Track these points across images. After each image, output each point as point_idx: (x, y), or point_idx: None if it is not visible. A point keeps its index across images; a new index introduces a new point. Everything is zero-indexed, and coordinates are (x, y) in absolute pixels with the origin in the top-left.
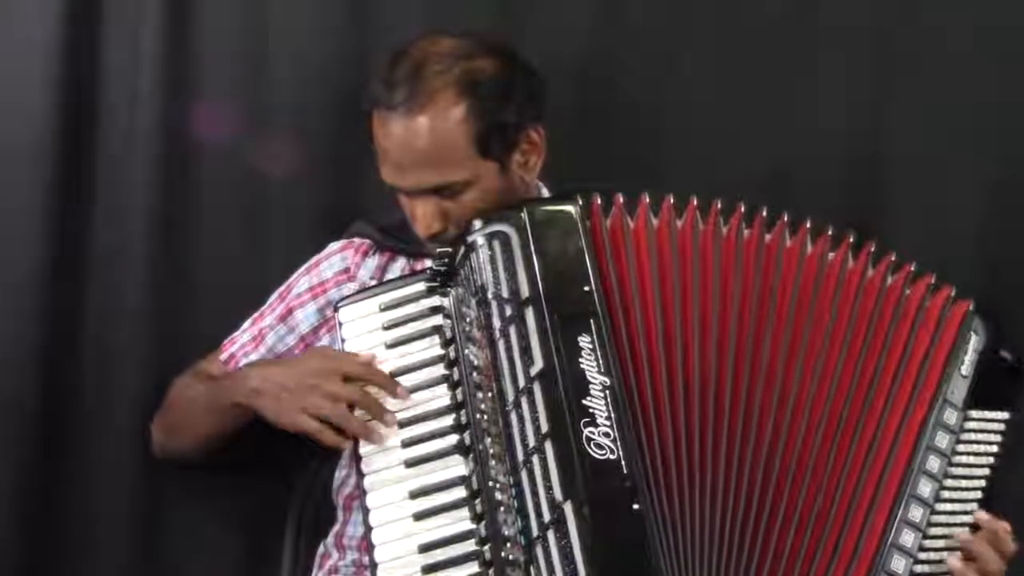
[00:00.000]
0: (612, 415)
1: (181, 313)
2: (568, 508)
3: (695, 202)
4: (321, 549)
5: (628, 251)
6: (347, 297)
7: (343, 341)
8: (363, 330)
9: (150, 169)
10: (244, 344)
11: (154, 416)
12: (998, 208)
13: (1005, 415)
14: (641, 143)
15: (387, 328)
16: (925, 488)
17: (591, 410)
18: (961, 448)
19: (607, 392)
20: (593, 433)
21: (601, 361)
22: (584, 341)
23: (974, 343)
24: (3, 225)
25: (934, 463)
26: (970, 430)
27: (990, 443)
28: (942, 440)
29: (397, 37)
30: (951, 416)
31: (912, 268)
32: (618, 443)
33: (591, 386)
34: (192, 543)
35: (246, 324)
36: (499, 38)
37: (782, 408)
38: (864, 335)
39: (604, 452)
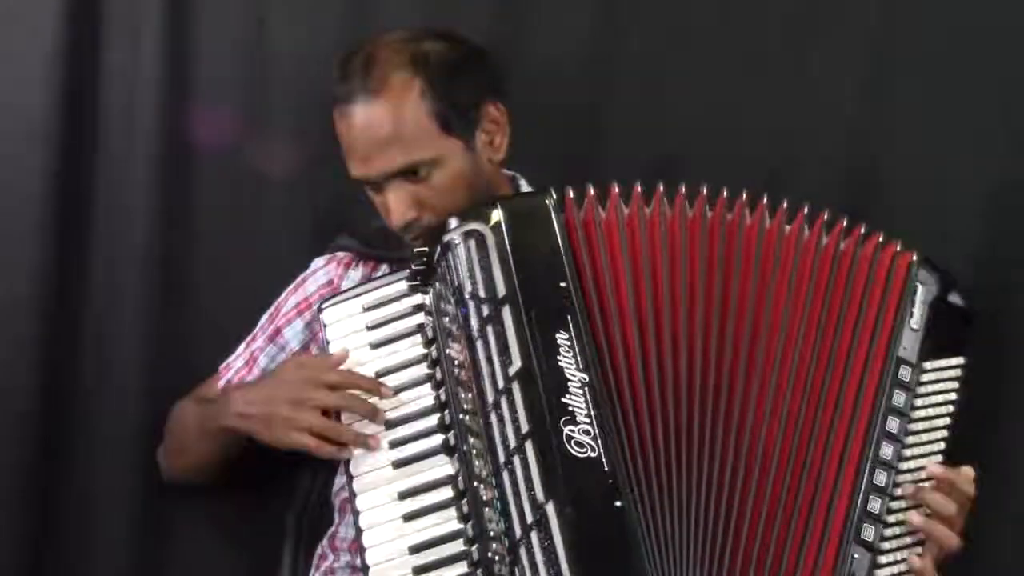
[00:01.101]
0: (592, 412)
1: (181, 313)
2: (550, 508)
3: (661, 188)
4: (318, 551)
5: (601, 243)
6: (330, 298)
7: (327, 343)
8: (347, 331)
9: (150, 169)
10: (239, 369)
11: (154, 416)
12: (998, 208)
13: (960, 360)
14: (641, 143)
15: (371, 328)
16: (887, 450)
17: (571, 408)
18: (919, 402)
19: (586, 389)
20: (573, 431)
21: (579, 357)
22: (562, 338)
23: (922, 294)
24: (3, 225)
25: (893, 423)
26: (926, 382)
27: (948, 391)
28: (899, 399)
29: None
30: (905, 373)
31: (862, 230)
32: (598, 440)
33: (570, 383)
34: (192, 543)
35: (240, 348)
36: (498, 36)
37: (749, 386)
38: (822, 301)
39: (585, 450)
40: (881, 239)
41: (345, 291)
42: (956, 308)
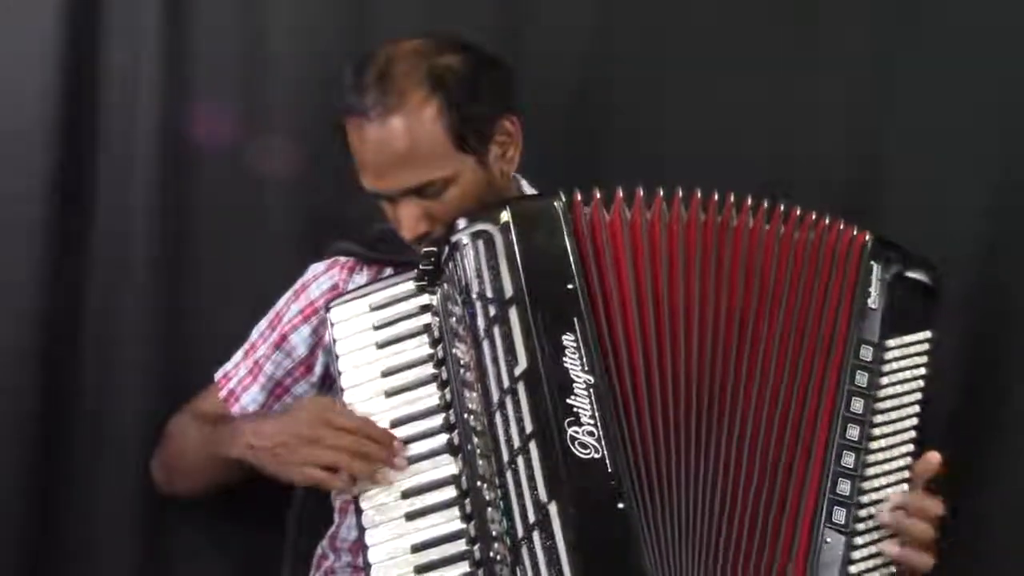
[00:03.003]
0: (596, 414)
1: (181, 313)
2: (553, 508)
3: (661, 193)
4: (319, 551)
5: (607, 246)
6: (337, 297)
7: (334, 341)
8: (354, 330)
9: (150, 169)
10: (242, 378)
11: (154, 417)
12: (998, 208)
13: (926, 335)
14: (641, 143)
15: (377, 328)
16: (853, 432)
17: (575, 409)
18: (884, 380)
19: (591, 391)
20: (577, 432)
21: (585, 360)
22: (568, 340)
23: (878, 273)
24: (3, 225)
25: (858, 404)
26: (891, 360)
27: (916, 367)
28: (862, 379)
29: (397, 37)
30: (867, 352)
31: (826, 220)
32: (602, 442)
33: (575, 385)
34: (192, 543)
35: (238, 357)
36: (498, 36)
37: (737, 385)
38: (795, 293)
39: (588, 451)
40: (842, 226)
41: (352, 291)
42: (917, 283)
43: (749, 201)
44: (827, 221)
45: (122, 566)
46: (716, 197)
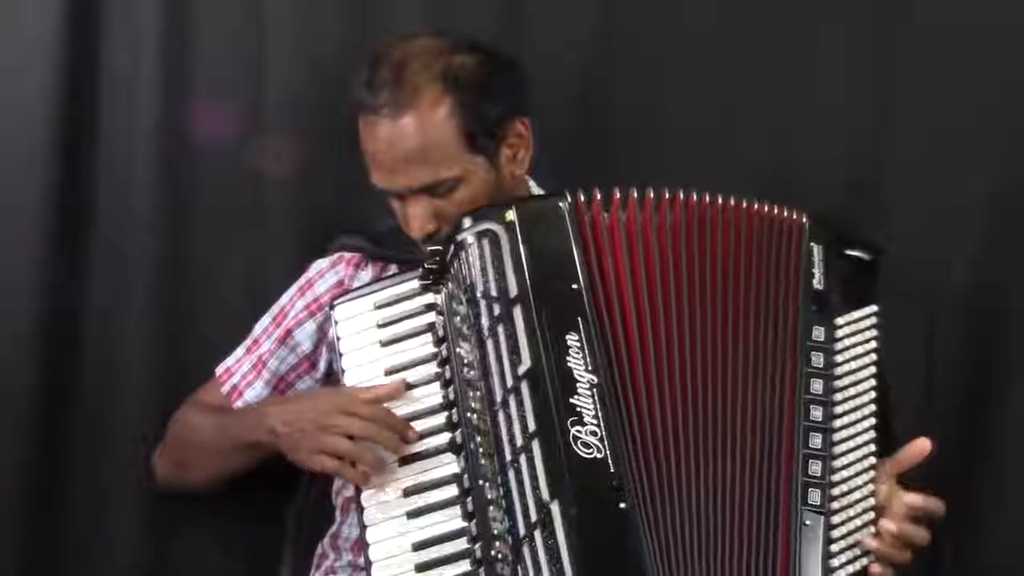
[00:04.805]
0: (599, 413)
1: (181, 313)
2: (555, 508)
3: (651, 193)
4: (319, 550)
5: (607, 246)
6: (343, 294)
7: (338, 340)
8: (358, 328)
9: (150, 169)
10: (245, 374)
11: (154, 416)
12: (998, 208)
13: (873, 308)
14: (641, 143)
15: (381, 326)
16: (817, 413)
17: (578, 409)
18: (839, 359)
19: (594, 390)
20: (580, 432)
21: (588, 359)
22: (572, 339)
23: (818, 254)
24: (3, 224)
25: (817, 385)
26: (842, 337)
27: (867, 341)
28: (818, 359)
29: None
30: (819, 333)
31: (776, 209)
32: (605, 442)
33: (578, 384)
34: (192, 543)
35: (240, 353)
36: (498, 36)
37: (725, 380)
38: (760, 283)
39: (591, 451)
40: (785, 212)
41: (357, 289)
42: (857, 260)
43: (719, 200)
44: (774, 209)
45: (122, 566)
46: (694, 197)
